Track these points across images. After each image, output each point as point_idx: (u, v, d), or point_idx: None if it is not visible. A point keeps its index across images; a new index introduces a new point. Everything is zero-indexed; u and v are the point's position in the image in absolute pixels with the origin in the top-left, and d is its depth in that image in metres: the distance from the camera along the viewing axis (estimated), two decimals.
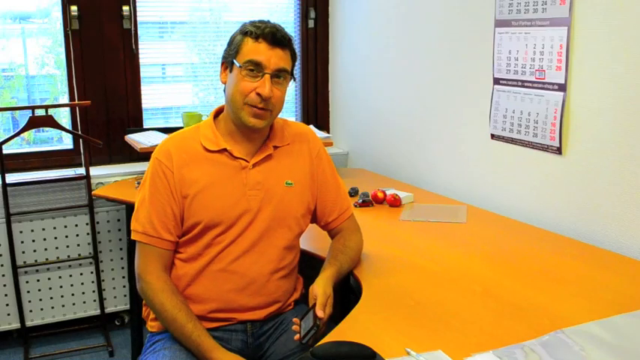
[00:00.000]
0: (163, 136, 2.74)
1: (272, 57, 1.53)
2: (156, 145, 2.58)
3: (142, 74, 3.03)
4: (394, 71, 2.92)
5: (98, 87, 2.94)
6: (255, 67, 1.53)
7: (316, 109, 3.48)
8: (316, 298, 1.48)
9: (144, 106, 3.07)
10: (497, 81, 2.31)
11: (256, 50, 1.53)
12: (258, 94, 1.53)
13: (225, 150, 1.60)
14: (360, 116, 3.23)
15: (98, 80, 2.93)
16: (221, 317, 1.61)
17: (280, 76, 1.56)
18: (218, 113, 1.68)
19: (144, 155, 2.77)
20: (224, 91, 1.63)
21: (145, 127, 3.03)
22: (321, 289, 1.50)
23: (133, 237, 1.59)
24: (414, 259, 1.83)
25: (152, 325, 1.65)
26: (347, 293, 2.56)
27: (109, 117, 2.98)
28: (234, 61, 1.55)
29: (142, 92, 3.05)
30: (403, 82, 2.87)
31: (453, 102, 2.56)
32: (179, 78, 3.28)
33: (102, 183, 2.82)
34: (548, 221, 2.15)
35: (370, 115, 3.14)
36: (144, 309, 1.71)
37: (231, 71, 1.57)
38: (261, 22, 1.56)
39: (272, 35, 1.53)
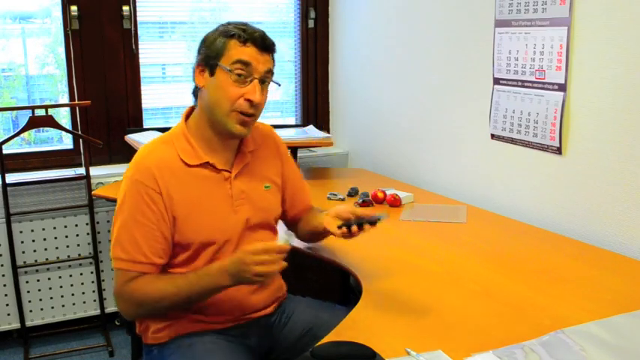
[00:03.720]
0: None
1: (260, 62, 1.49)
2: None
3: (142, 74, 3.03)
4: (394, 71, 2.92)
5: (98, 87, 2.93)
6: (245, 70, 1.48)
7: (316, 109, 3.48)
8: (349, 212, 1.56)
9: (144, 106, 3.07)
10: (497, 81, 2.31)
11: (244, 53, 1.48)
12: (249, 100, 1.49)
13: (207, 163, 1.55)
14: (360, 116, 3.23)
15: (98, 80, 2.93)
16: (236, 318, 1.62)
17: (266, 80, 1.53)
18: (187, 116, 1.60)
19: None
20: (193, 93, 1.56)
21: (145, 127, 3.03)
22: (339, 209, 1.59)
23: (116, 265, 1.48)
24: (414, 259, 1.83)
25: (159, 337, 1.58)
26: (347, 293, 2.56)
27: (109, 117, 2.98)
28: (220, 64, 1.48)
29: (142, 92, 3.05)
30: (403, 82, 2.87)
31: (453, 102, 2.56)
32: (179, 78, 3.28)
33: (102, 183, 2.82)
34: (548, 221, 2.15)
35: (370, 115, 3.13)
36: (137, 325, 1.64)
37: (212, 75, 1.50)
38: (243, 24, 1.52)
39: (262, 40, 1.50)
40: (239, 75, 1.48)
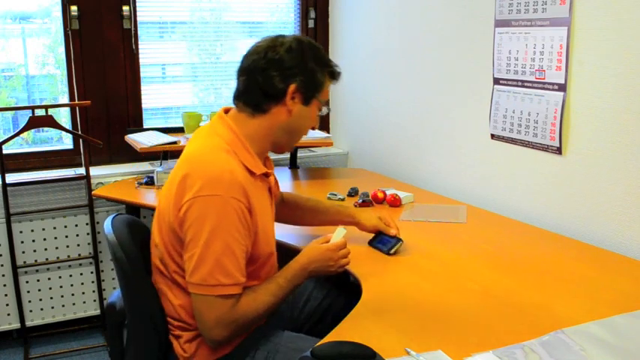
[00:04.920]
0: (164, 136, 2.75)
1: None
2: (156, 145, 2.61)
3: (142, 74, 3.03)
4: (394, 71, 2.92)
5: (98, 87, 2.93)
6: None
7: None
8: (379, 227, 1.85)
9: (144, 106, 3.07)
10: (497, 81, 2.31)
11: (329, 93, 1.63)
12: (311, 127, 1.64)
13: (265, 173, 1.55)
14: (360, 116, 3.23)
15: (98, 80, 2.93)
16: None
17: None
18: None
19: (144, 155, 2.78)
20: (257, 103, 1.51)
21: (145, 127, 3.03)
22: (372, 218, 1.87)
23: (216, 292, 1.37)
24: (414, 259, 1.83)
25: (224, 349, 1.50)
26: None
27: (109, 117, 2.98)
28: (320, 99, 1.57)
29: (142, 92, 3.05)
30: (403, 82, 2.87)
31: (453, 102, 2.56)
32: (179, 78, 3.28)
33: (102, 183, 2.82)
34: (548, 221, 2.15)
35: (370, 115, 3.13)
36: (184, 351, 1.50)
37: (306, 104, 1.54)
38: (329, 59, 1.60)
39: None
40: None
